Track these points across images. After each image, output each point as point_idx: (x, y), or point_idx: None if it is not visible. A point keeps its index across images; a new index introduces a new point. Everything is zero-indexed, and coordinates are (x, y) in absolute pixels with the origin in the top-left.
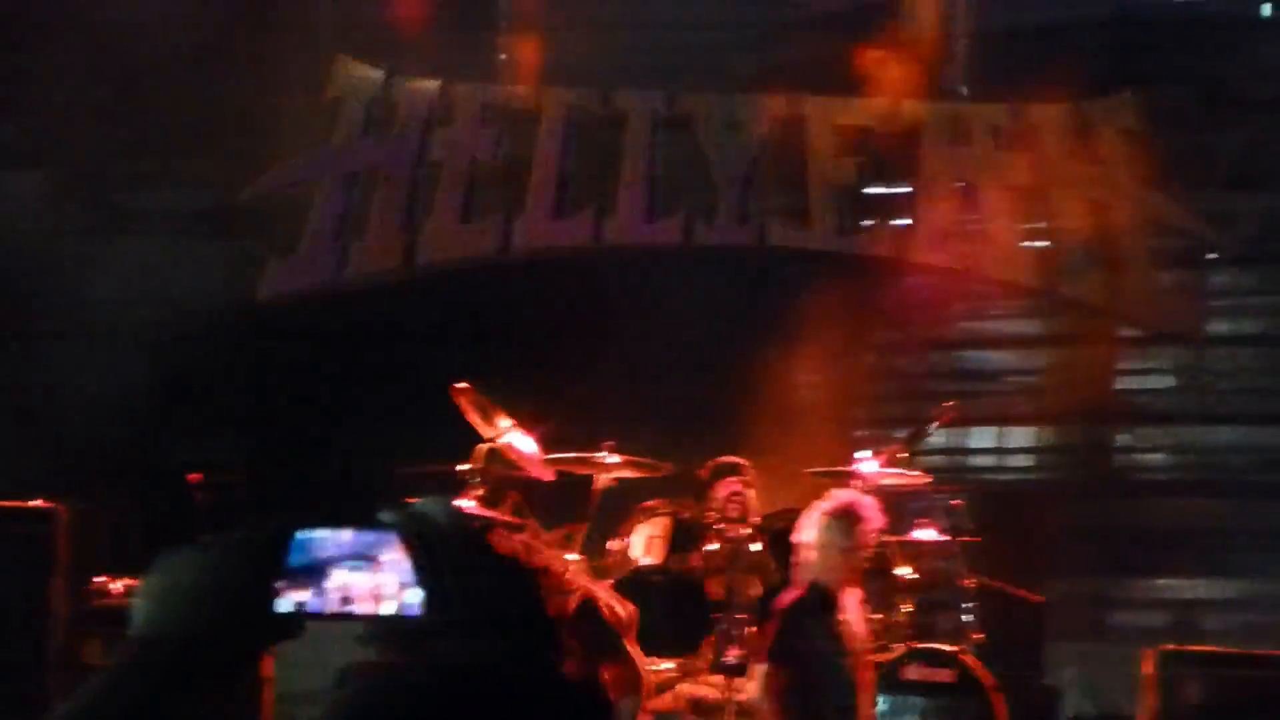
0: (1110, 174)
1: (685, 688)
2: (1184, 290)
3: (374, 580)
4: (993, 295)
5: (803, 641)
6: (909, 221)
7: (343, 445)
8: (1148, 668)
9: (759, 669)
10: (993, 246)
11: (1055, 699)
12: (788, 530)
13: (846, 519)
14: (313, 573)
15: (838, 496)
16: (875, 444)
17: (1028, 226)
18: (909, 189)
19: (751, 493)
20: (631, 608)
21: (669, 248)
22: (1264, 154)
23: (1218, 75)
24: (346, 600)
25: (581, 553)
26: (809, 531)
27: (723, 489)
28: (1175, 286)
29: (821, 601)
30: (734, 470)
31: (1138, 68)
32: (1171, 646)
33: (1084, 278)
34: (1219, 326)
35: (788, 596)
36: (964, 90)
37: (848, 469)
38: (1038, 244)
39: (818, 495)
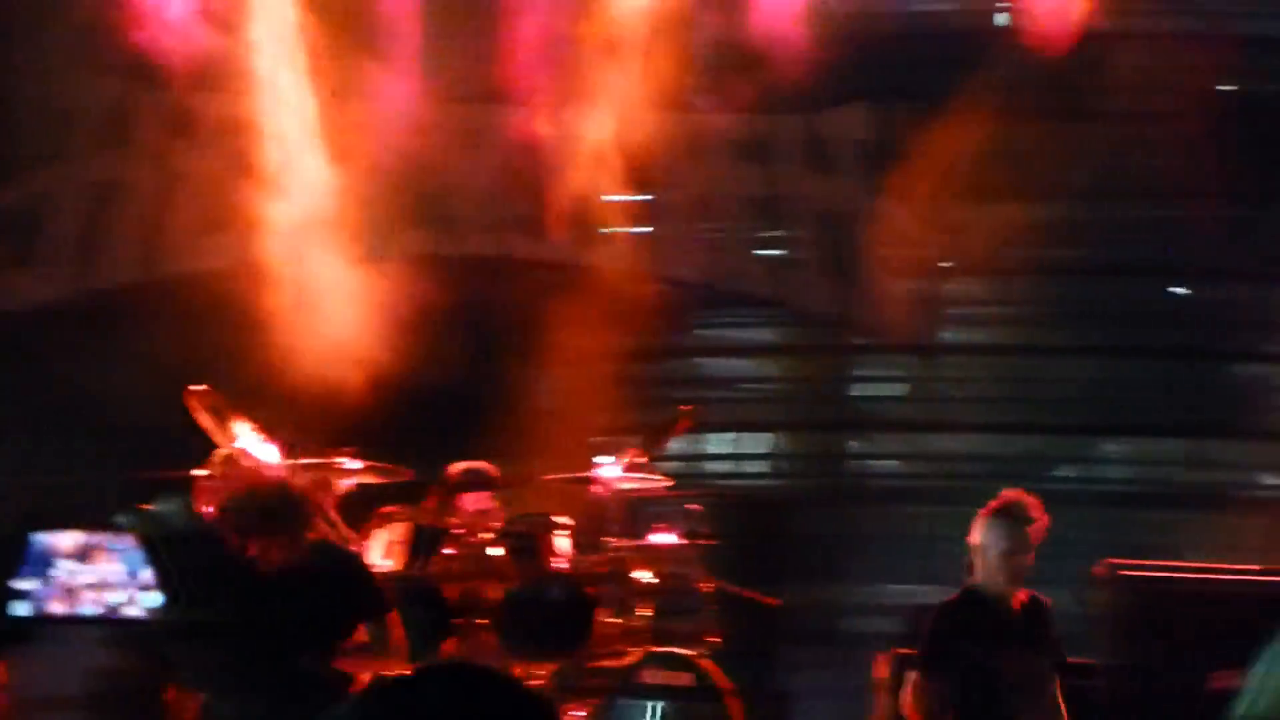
0: (843, 185)
1: None
2: (916, 300)
3: (104, 581)
4: (729, 304)
5: (958, 646)
6: (648, 231)
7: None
8: (880, 672)
9: (910, 676)
10: (726, 256)
11: (789, 703)
12: (528, 535)
13: (1008, 518)
14: (43, 574)
15: (1004, 496)
16: (615, 450)
17: (761, 237)
18: (648, 199)
19: (496, 502)
20: None
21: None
22: (997, 164)
23: (952, 86)
24: (78, 600)
25: None
26: (974, 533)
27: (470, 501)
28: (907, 296)
29: (978, 606)
30: (481, 478)
31: (873, 80)
32: (905, 651)
33: (816, 288)
34: (951, 335)
35: (946, 600)
36: (702, 102)
37: (588, 474)
38: (771, 254)
39: (560, 500)
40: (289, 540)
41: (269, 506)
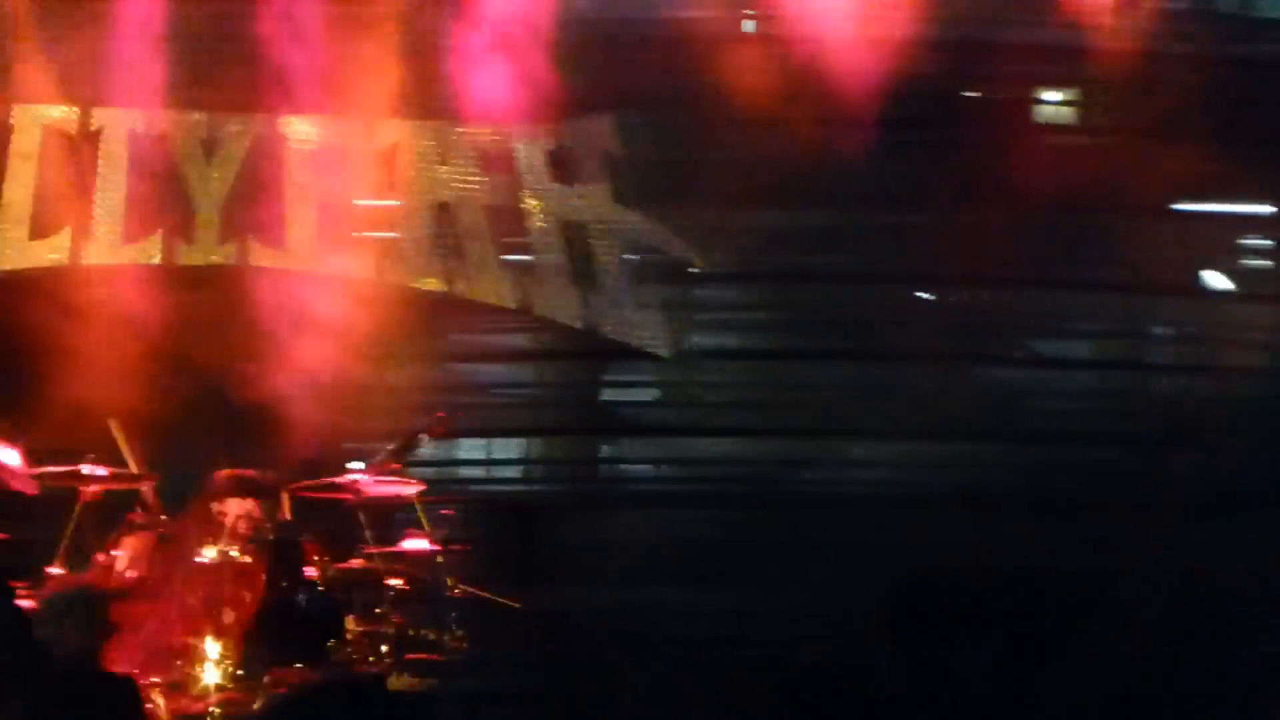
0: (588, 193)
1: (162, 701)
2: (666, 306)
3: None
4: (479, 311)
5: None
6: (394, 238)
7: None
8: None
9: None
10: (473, 264)
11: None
12: (288, 541)
13: None
14: None
15: None
16: (367, 457)
17: (508, 244)
18: (390, 205)
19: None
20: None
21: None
22: (745, 170)
23: (700, 93)
24: None
25: (65, 566)
26: None
27: (232, 507)
28: (657, 302)
29: None
30: (242, 484)
31: (619, 87)
32: None
33: (564, 295)
34: (704, 340)
35: None
36: (447, 110)
37: (339, 481)
38: (518, 261)
39: (311, 507)
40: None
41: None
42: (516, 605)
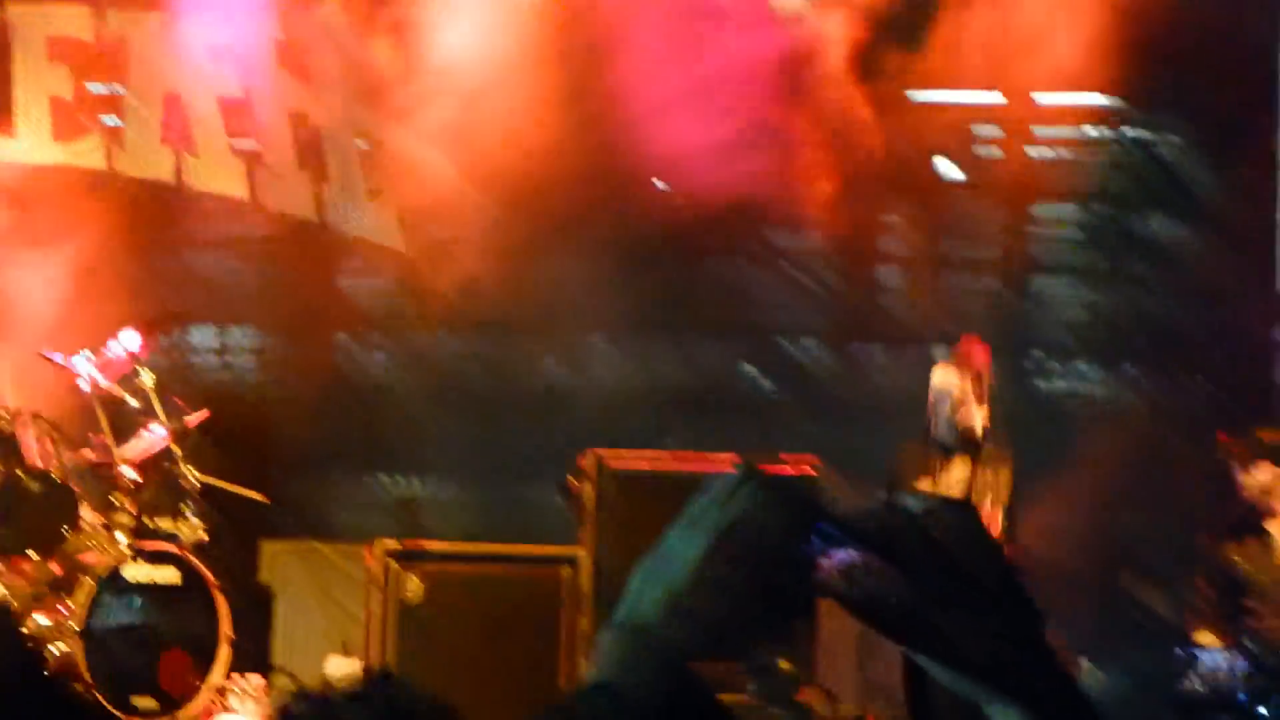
0: (320, 87)
1: None
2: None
3: None
4: (209, 203)
5: None
6: (119, 128)
7: None
8: (372, 564)
9: None
10: (200, 154)
11: (270, 596)
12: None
13: None
14: None
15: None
16: (98, 347)
17: (237, 136)
18: (121, 96)
19: None
20: None
21: None
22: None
23: None
24: None
25: None
26: None
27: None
28: (393, 196)
29: None
30: None
31: None
32: (394, 543)
33: (294, 187)
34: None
35: None
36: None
37: (71, 369)
38: (246, 152)
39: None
40: None
41: None
42: (262, 499)
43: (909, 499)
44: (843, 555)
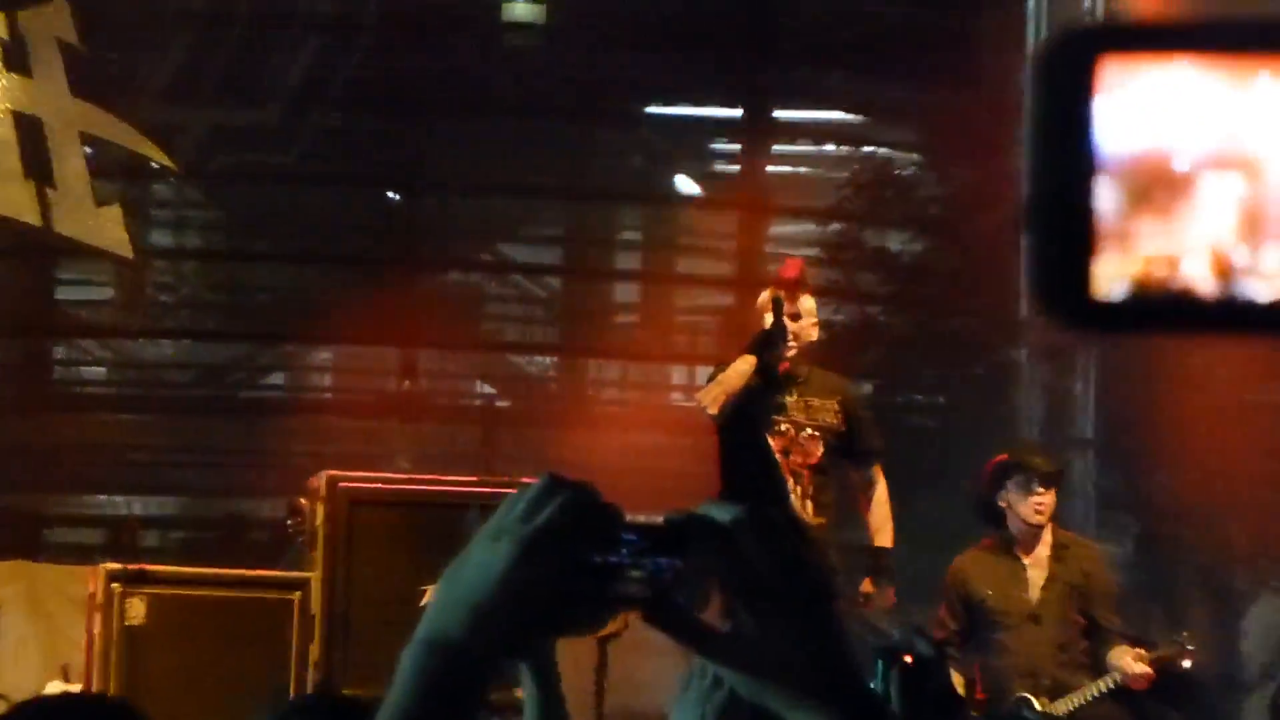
0: (41, 86)
1: None
2: (122, 203)
3: None
4: None
5: None
6: None
7: None
8: (93, 586)
9: None
10: None
11: None
12: None
13: None
14: None
15: None
16: None
17: None
18: None
19: None
20: None
21: None
22: (205, 67)
23: None
24: None
25: None
26: None
27: None
28: (112, 199)
29: None
30: None
31: None
32: (115, 565)
33: (15, 189)
34: (161, 240)
35: None
36: None
37: None
38: None
39: None
40: None
41: None
42: None
43: (715, 509)
44: (645, 564)
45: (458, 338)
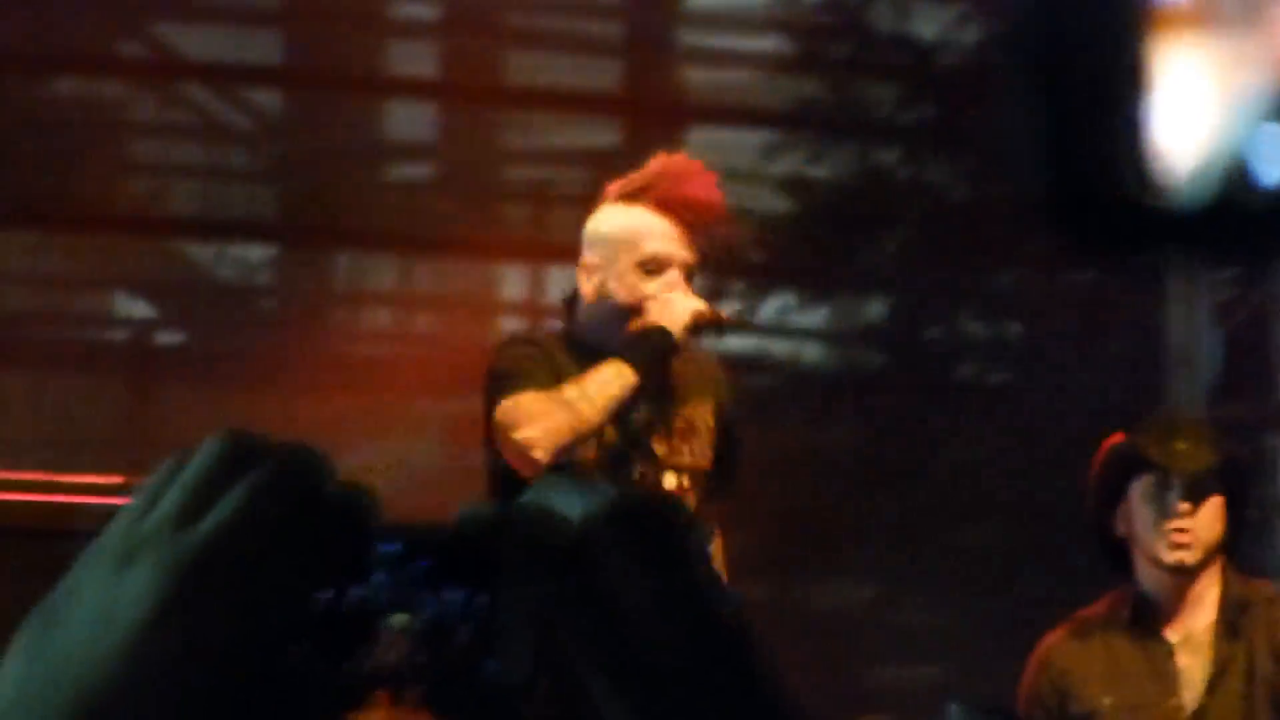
0: None
1: None
2: None
3: None
4: None
5: None
6: None
7: None
8: None
9: None
10: None
11: None
12: None
13: None
14: None
15: None
16: None
17: None
18: None
19: None
20: None
21: None
22: None
23: None
24: None
25: None
26: None
27: None
28: None
29: None
30: None
31: None
32: None
33: None
34: None
35: None
36: None
37: None
38: None
39: None
40: None
41: None
42: None
43: (550, 496)
44: (421, 602)
45: None
